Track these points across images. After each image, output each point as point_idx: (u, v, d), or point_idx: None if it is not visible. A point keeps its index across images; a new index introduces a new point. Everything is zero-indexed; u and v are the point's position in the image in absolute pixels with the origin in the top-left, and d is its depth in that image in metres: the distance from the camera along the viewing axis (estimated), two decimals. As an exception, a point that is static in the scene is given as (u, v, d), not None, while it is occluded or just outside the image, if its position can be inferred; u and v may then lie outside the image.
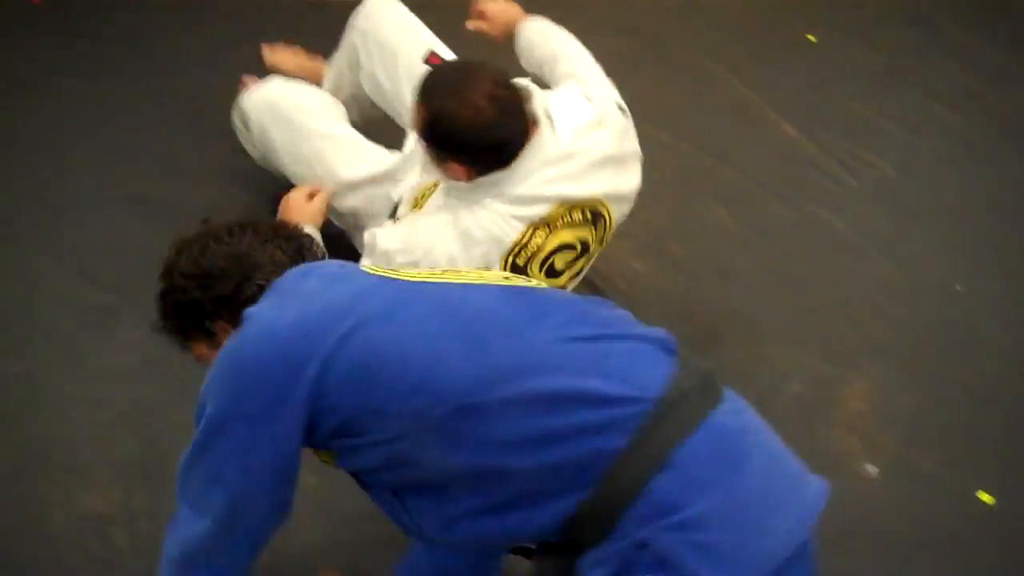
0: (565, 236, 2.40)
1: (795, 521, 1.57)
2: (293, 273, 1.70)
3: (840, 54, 3.99)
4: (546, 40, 2.70)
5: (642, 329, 1.69)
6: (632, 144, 2.49)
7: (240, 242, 1.75)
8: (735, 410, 1.64)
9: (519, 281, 1.75)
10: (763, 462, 1.59)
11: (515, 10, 2.80)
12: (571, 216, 2.39)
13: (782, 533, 1.55)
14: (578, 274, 2.54)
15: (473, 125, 2.24)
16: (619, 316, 1.74)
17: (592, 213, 2.42)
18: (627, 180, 2.48)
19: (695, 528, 1.50)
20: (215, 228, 1.80)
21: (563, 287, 2.46)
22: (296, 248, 1.78)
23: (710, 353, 2.81)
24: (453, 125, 2.25)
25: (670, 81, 3.75)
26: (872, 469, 2.74)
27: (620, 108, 2.51)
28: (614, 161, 2.43)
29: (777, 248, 3.27)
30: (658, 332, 1.68)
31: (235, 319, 1.65)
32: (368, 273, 1.70)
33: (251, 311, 1.62)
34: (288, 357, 1.55)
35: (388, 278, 1.67)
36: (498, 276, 1.81)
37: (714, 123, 3.64)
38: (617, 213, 2.49)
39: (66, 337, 2.73)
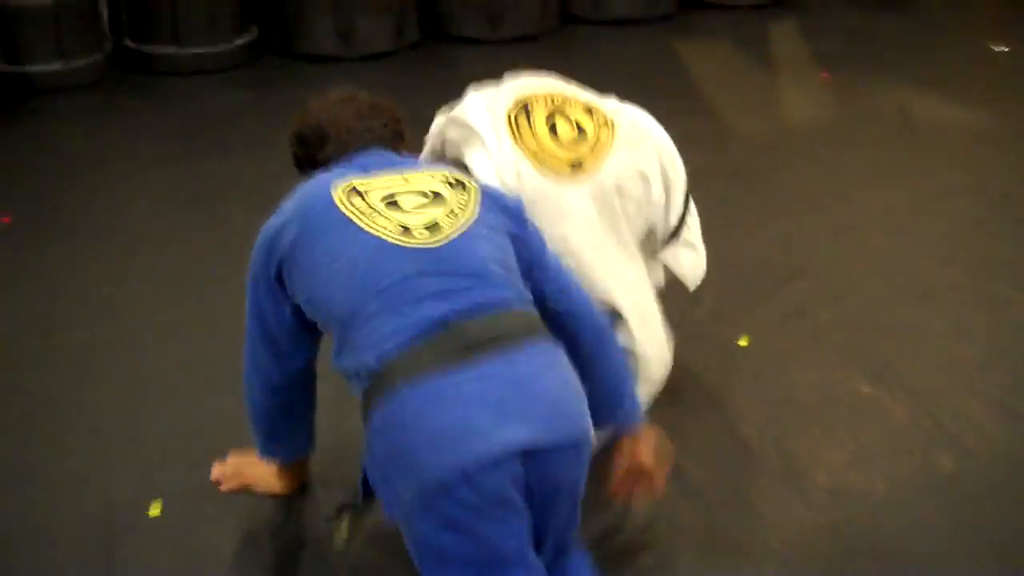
0: None
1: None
2: (315, 176, 2.10)
3: None
4: None
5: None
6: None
7: (333, 114, 2.21)
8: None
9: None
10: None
11: None
12: None
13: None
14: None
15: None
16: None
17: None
18: None
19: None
20: (334, 95, 2.25)
21: None
22: (386, 127, 2.22)
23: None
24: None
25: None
26: None
27: None
28: None
29: None
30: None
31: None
32: (336, 207, 2.00)
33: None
34: (265, 251, 2.07)
35: (345, 218, 1.98)
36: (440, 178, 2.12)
37: None
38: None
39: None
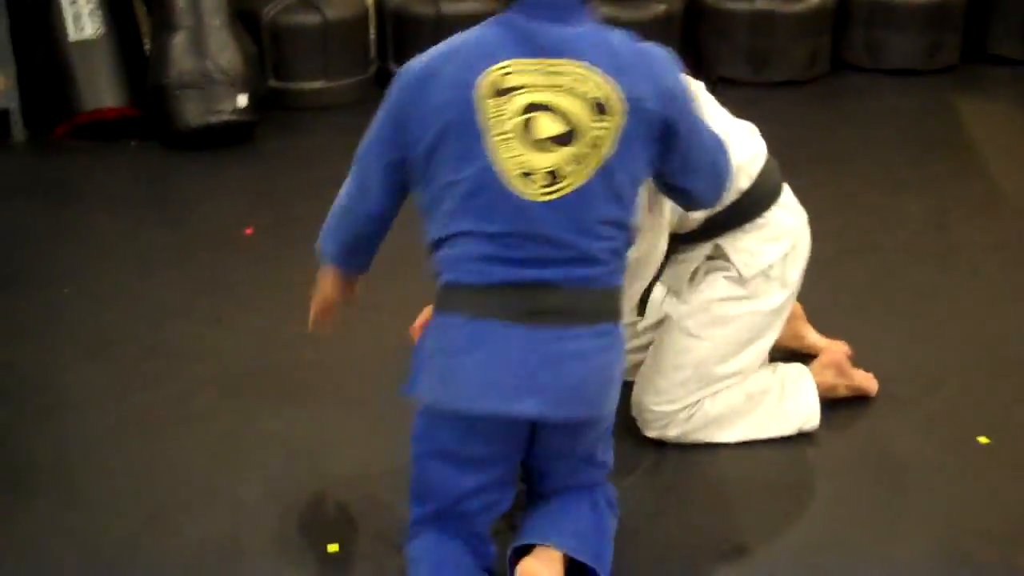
0: None
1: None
2: (489, 24, 2.09)
3: None
4: None
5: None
6: None
7: None
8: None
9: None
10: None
11: None
12: None
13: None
14: None
15: None
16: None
17: None
18: None
19: None
20: None
21: None
22: None
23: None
24: None
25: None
26: None
27: None
28: None
29: None
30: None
31: None
32: (475, 111, 2.01)
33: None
34: (402, 89, 2.10)
35: (478, 131, 2.01)
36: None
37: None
38: None
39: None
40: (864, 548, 2.43)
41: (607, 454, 2.33)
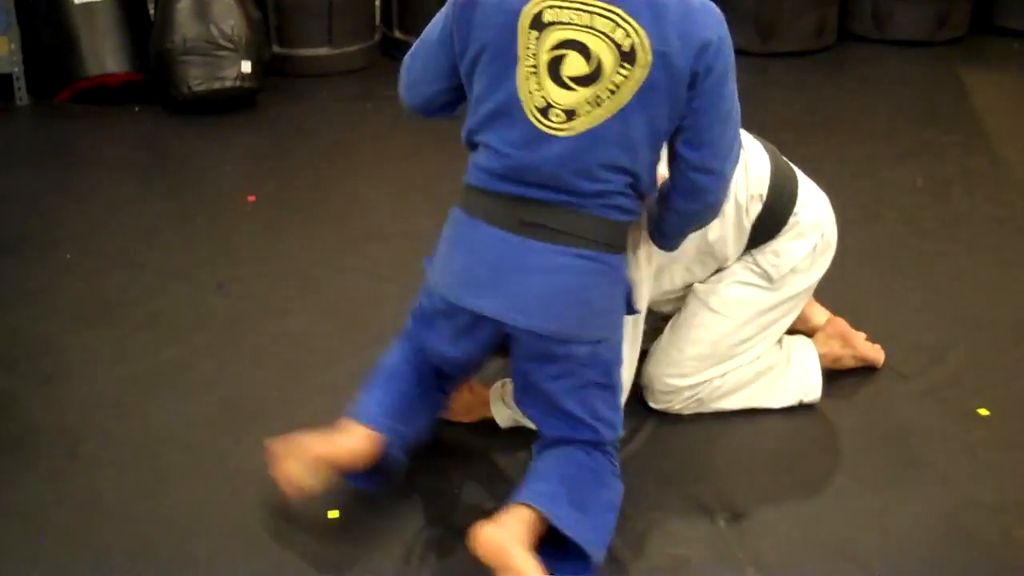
0: None
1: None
2: None
3: None
4: None
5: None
6: None
7: None
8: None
9: None
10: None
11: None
12: None
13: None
14: None
15: None
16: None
17: None
18: None
19: None
20: None
21: None
22: None
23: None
24: None
25: None
26: None
27: None
28: None
29: None
30: None
31: None
32: (516, 35, 2.12)
33: None
34: (454, 4, 2.20)
35: (516, 55, 2.13)
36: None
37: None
38: None
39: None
40: (863, 519, 2.44)
41: (610, 412, 2.33)
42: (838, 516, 2.44)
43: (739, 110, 2.25)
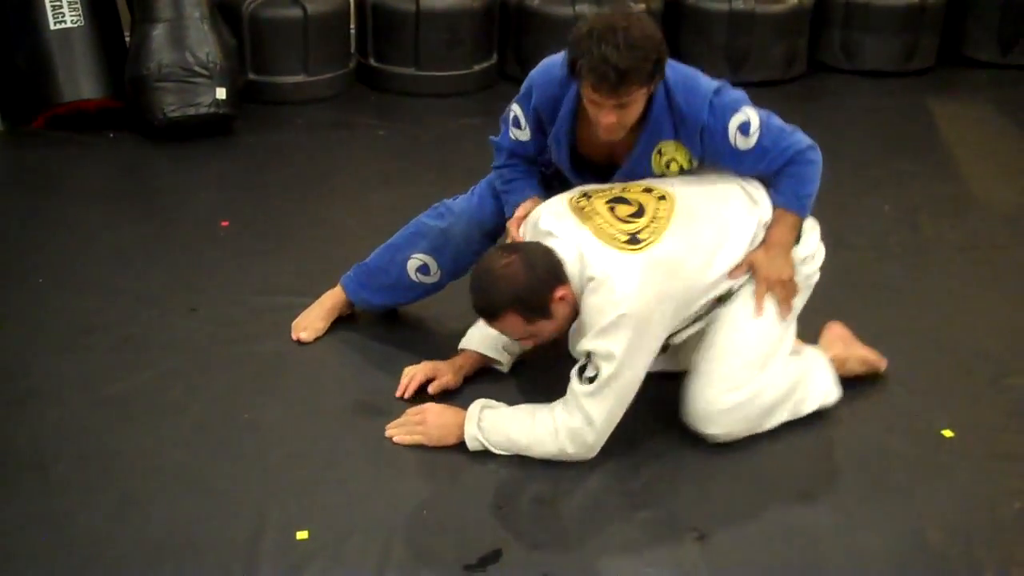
0: None
1: None
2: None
3: None
4: None
5: None
6: None
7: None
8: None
9: None
10: None
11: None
12: None
13: None
14: None
15: None
16: None
17: None
18: None
19: None
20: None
21: None
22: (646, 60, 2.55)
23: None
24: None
25: None
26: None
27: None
28: None
29: None
30: None
31: None
32: None
33: None
34: (539, 79, 2.80)
35: None
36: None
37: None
38: None
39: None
40: (829, 539, 2.47)
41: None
42: (804, 536, 2.48)
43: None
